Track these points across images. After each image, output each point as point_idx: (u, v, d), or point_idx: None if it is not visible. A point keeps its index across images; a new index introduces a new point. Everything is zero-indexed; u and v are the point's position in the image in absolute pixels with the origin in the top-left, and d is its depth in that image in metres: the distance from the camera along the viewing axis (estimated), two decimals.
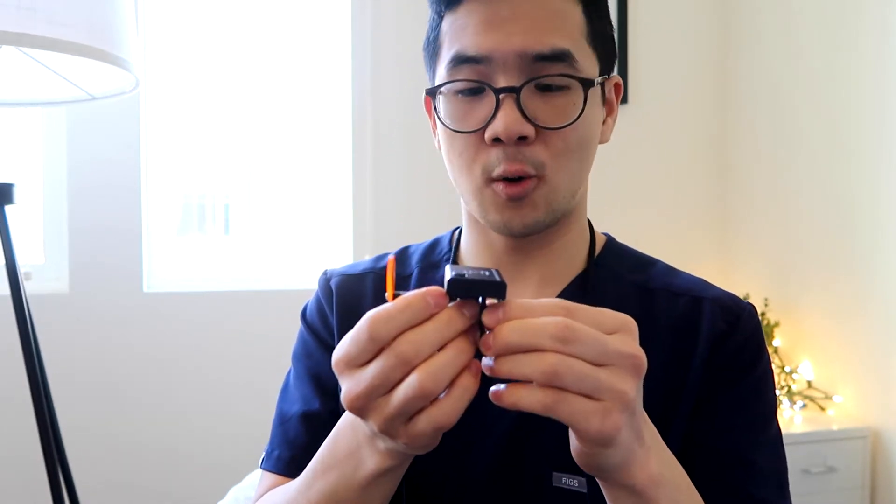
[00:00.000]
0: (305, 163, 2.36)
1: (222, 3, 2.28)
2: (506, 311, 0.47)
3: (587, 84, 0.66)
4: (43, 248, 2.09)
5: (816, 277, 2.24)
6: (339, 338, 0.77)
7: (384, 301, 0.72)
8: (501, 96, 0.64)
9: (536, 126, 0.65)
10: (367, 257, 0.91)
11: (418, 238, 0.91)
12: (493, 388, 0.48)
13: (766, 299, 2.37)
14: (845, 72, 2.13)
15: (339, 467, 0.57)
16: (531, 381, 0.47)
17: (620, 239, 0.83)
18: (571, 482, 0.67)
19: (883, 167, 2.00)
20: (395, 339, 0.47)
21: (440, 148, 0.74)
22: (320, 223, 2.35)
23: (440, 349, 0.47)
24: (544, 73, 0.65)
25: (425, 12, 0.74)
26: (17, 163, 2.11)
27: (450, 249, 0.81)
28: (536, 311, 0.47)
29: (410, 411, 0.47)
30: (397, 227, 2.26)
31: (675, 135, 2.58)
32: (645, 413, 0.53)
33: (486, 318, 0.47)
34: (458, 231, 0.83)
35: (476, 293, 0.48)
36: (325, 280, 0.85)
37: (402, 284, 0.81)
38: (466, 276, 0.48)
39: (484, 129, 0.66)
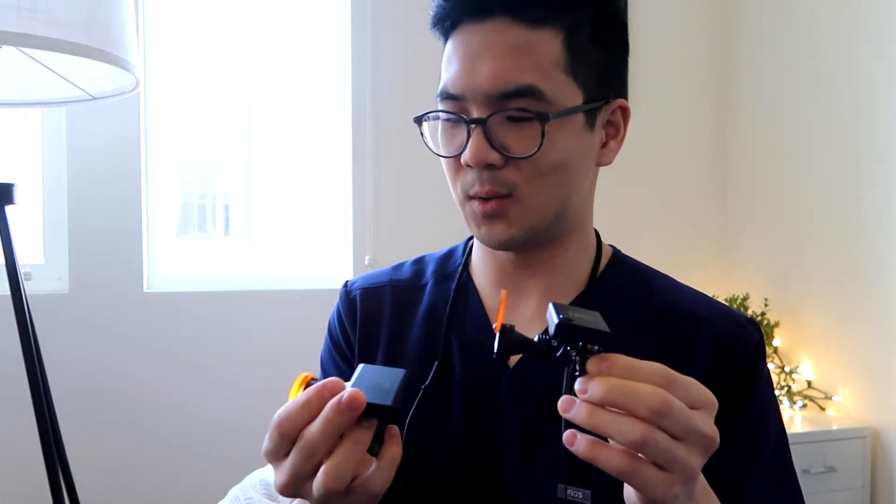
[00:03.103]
0: (305, 163, 2.36)
1: (222, 3, 2.29)
2: (611, 365, 0.50)
3: (543, 118, 0.68)
4: (43, 248, 2.09)
5: (816, 277, 2.25)
6: (360, 353, 0.82)
7: (401, 315, 0.78)
8: (472, 127, 0.69)
9: (503, 154, 0.68)
10: (366, 259, 0.92)
11: (416, 238, 0.93)
12: (569, 432, 0.51)
13: (765, 299, 2.37)
14: (846, 71, 2.13)
15: None
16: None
17: (620, 240, 0.83)
18: (576, 494, 0.68)
19: (883, 167, 2.00)
20: (300, 432, 0.53)
21: None
22: (320, 223, 2.35)
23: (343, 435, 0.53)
24: (507, 107, 0.69)
25: (424, 14, 0.75)
26: (17, 163, 2.11)
27: (463, 260, 0.83)
28: (639, 375, 0.50)
29: (337, 495, 0.53)
30: (397, 228, 2.26)
31: (675, 135, 2.58)
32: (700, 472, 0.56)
33: (591, 367, 0.50)
34: (471, 241, 0.84)
35: (584, 340, 0.51)
36: (346, 293, 0.86)
37: (416, 296, 0.83)
38: (574, 321, 0.50)
39: (461, 153, 0.70)
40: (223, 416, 2.16)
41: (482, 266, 0.80)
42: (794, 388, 2.23)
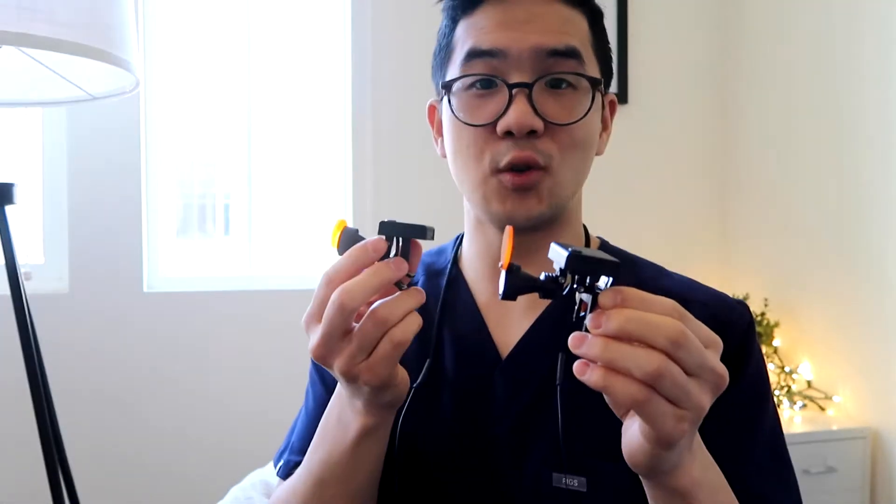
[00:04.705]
0: (306, 163, 2.36)
1: (222, 3, 2.29)
2: (625, 297, 0.49)
3: (595, 83, 0.69)
4: (43, 248, 2.09)
5: (816, 278, 2.24)
6: None
7: None
8: (514, 91, 0.67)
9: (546, 121, 0.67)
10: None
11: None
12: (579, 363, 0.49)
13: (765, 299, 2.37)
14: (845, 73, 2.13)
15: (331, 434, 0.65)
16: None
17: (619, 239, 0.83)
18: (571, 482, 0.68)
19: (882, 168, 2.00)
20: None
21: (443, 154, 0.77)
22: (320, 223, 2.35)
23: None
24: (557, 69, 0.68)
25: (425, 14, 0.75)
26: (17, 163, 2.11)
27: (452, 256, 0.82)
28: (654, 307, 0.49)
29: (369, 343, 0.55)
30: None
31: (675, 135, 2.58)
32: None
33: (605, 299, 0.49)
34: (460, 238, 0.84)
35: (595, 271, 0.50)
36: None
37: None
38: (584, 252, 0.50)
39: (495, 122, 0.68)
40: (223, 415, 2.16)
41: (474, 261, 0.79)
42: (794, 388, 2.23)
